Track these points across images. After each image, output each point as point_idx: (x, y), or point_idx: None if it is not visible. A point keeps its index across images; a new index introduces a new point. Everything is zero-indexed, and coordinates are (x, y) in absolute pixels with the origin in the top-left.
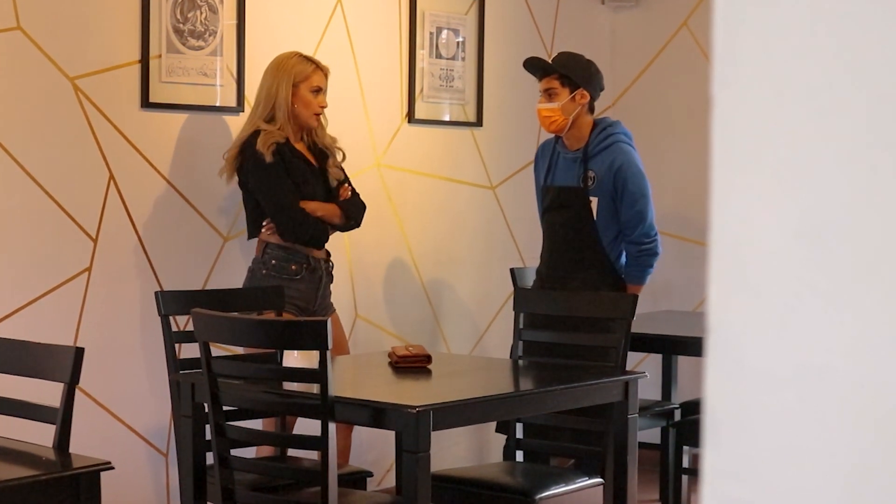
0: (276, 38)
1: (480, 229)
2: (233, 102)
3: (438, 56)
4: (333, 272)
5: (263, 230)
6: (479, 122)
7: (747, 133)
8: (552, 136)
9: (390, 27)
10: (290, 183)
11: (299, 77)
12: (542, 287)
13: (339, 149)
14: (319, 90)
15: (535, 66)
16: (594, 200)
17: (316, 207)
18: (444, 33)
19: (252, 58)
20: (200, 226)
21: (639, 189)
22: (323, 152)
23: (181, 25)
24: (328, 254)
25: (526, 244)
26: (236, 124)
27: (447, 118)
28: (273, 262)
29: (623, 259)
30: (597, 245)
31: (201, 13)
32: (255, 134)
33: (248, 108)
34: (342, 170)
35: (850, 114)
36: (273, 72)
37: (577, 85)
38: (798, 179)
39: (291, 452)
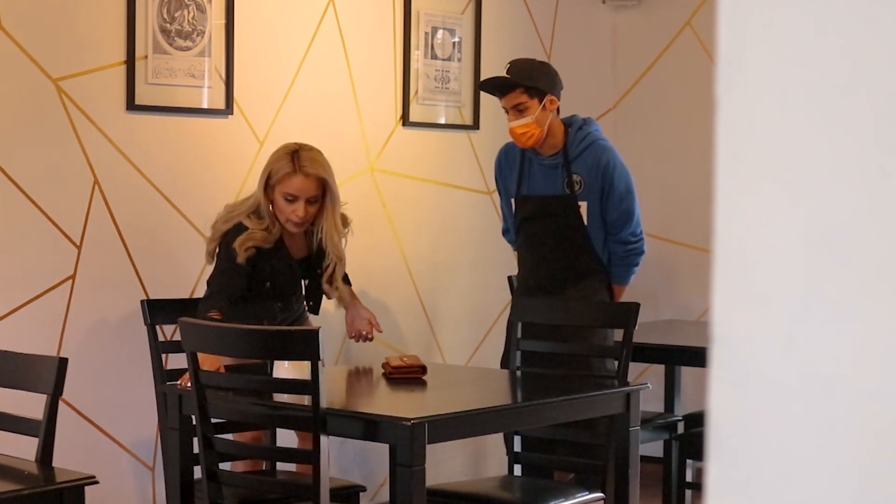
0: (266, 39)
1: (477, 235)
2: (221, 105)
3: (434, 57)
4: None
5: None
6: (475, 125)
7: (753, 136)
8: (514, 145)
9: (384, 27)
10: (239, 287)
11: (273, 178)
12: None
13: (336, 257)
14: (295, 198)
15: (493, 84)
16: (583, 206)
17: (210, 364)
18: (440, 33)
19: (241, 59)
20: (188, 232)
21: (625, 186)
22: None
23: (168, 25)
24: (303, 310)
25: None
26: (225, 127)
27: (443, 121)
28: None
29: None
30: (590, 251)
31: (189, 12)
32: (237, 228)
33: (237, 111)
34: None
35: (859, 117)
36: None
37: (544, 92)
38: (805, 184)
39: (282, 466)
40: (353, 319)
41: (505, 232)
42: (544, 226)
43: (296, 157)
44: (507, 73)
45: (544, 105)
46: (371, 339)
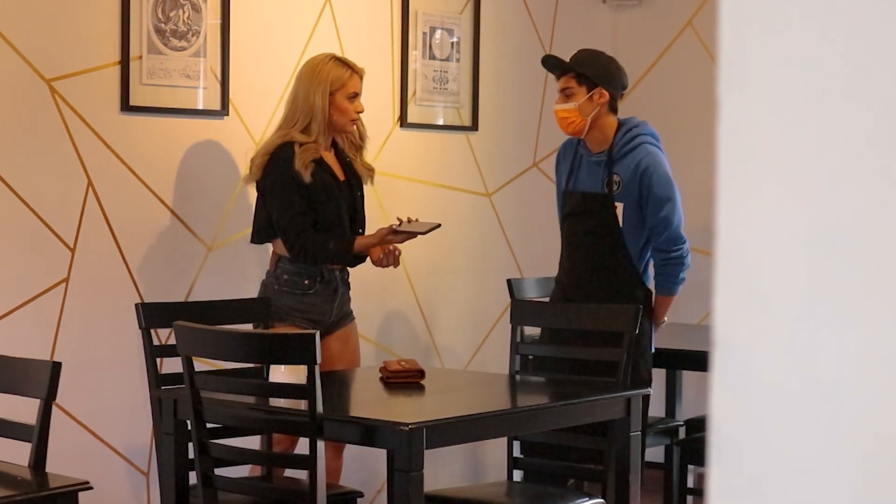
0: (262, 39)
1: (476, 238)
2: (217, 106)
3: (432, 57)
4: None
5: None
6: (474, 127)
7: (755, 137)
8: (571, 136)
9: (381, 27)
10: (306, 206)
11: (336, 84)
12: (565, 298)
13: (362, 146)
14: (356, 95)
15: (552, 63)
16: (619, 206)
17: (364, 243)
18: (438, 33)
19: (237, 59)
20: (183, 235)
21: (665, 193)
22: (346, 159)
23: (163, 25)
24: None
25: (523, 254)
26: (220, 129)
27: (441, 122)
28: (285, 276)
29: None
30: (623, 254)
31: (184, 12)
32: (289, 145)
33: (232, 112)
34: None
35: (861, 118)
36: (308, 78)
37: (595, 84)
38: (808, 186)
39: (288, 473)
40: (382, 248)
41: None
42: (582, 223)
43: (343, 60)
44: (570, 58)
45: (592, 96)
46: (397, 265)
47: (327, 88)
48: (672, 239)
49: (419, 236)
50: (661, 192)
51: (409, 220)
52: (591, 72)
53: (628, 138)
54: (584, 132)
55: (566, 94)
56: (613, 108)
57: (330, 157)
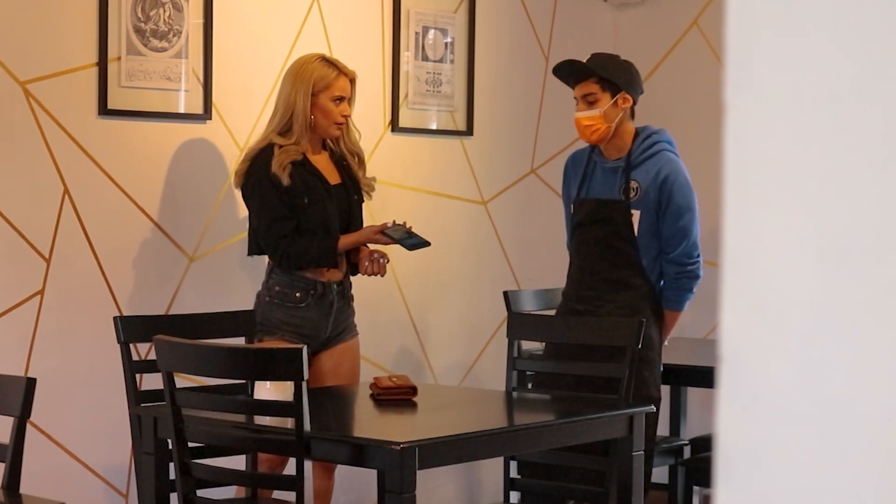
0: (246, 39)
1: (471, 248)
2: (199, 109)
3: (425, 58)
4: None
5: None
6: (469, 131)
7: (764, 142)
8: (581, 146)
9: (372, 27)
10: (289, 211)
11: (319, 85)
12: (572, 311)
13: (357, 153)
14: (342, 99)
15: (568, 70)
16: (635, 214)
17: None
18: (431, 33)
19: (220, 60)
20: (164, 244)
21: (686, 203)
22: (343, 163)
23: (143, 25)
24: (348, 272)
25: (520, 265)
26: (203, 133)
27: (434, 126)
28: (276, 288)
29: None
30: (636, 264)
31: (164, 11)
32: (268, 148)
33: (215, 116)
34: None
35: (874, 122)
36: (292, 78)
37: (619, 88)
38: (818, 193)
39: (276, 494)
40: (371, 252)
41: (568, 243)
42: (594, 232)
43: (331, 61)
44: (586, 61)
45: (616, 101)
46: (383, 273)
47: (310, 88)
48: (688, 251)
49: (404, 248)
50: (682, 201)
51: (405, 226)
52: (616, 76)
53: (647, 145)
54: (607, 139)
55: (588, 101)
56: (632, 114)
57: (321, 160)
